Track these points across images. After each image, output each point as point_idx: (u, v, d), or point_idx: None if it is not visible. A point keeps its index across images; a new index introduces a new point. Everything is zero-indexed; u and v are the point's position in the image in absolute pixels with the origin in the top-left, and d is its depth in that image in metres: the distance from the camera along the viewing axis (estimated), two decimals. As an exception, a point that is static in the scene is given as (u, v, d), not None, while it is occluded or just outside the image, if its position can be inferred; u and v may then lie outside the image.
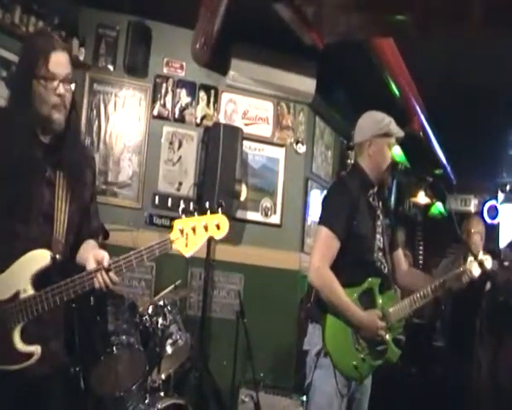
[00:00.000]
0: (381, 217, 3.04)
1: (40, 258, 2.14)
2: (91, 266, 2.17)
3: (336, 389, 2.79)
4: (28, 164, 2.17)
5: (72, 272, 2.17)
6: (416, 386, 4.59)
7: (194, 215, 2.20)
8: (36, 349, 2.09)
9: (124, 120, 4.93)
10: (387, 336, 2.88)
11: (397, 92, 5.43)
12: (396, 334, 2.93)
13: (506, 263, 4.67)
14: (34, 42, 2.25)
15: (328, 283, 2.81)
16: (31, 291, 2.11)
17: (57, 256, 2.17)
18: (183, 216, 2.20)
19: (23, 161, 2.14)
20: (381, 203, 3.09)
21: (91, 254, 2.21)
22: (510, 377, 3.73)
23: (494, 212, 9.60)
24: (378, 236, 2.98)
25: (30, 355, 2.08)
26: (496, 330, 4.04)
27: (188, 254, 2.19)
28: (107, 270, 2.15)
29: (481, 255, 3.01)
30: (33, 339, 2.11)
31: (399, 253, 3.21)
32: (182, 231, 2.18)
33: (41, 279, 2.14)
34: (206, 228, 2.18)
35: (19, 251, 2.12)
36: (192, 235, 2.18)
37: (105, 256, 2.17)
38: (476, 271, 2.94)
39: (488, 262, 3.00)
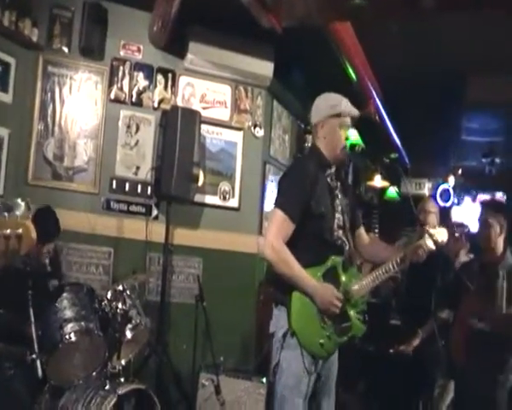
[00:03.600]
0: (339, 196, 3.08)
1: None
2: None
3: (304, 368, 2.86)
4: None
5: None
6: (373, 364, 4.68)
7: (4, 218, 1.89)
8: None
9: (80, 103, 4.82)
10: (351, 312, 2.96)
11: (353, 76, 5.48)
12: (360, 310, 3.00)
13: (457, 234, 4.81)
14: None
15: (282, 256, 2.87)
16: None
17: None
18: None
19: None
20: (339, 183, 3.13)
21: None
22: (462, 353, 3.83)
23: (446, 195, 9.85)
24: (337, 214, 3.04)
25: None
26: (448, 306, 4.15)
27: None
28: None
29: (437, 228, 3.11)
30: None
31: (361, 230, 3.29)
32: None
33: None
34: (7, 239, 1.85)
35: None
36: None
37: None
38: (432, 244, 3.03)
39: (443, 234, 3.10)
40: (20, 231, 1.87)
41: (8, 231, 1.86)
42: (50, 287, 3.80)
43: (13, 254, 1.91)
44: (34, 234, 1.91)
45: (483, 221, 3.92)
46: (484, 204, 4.51)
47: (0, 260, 1.96)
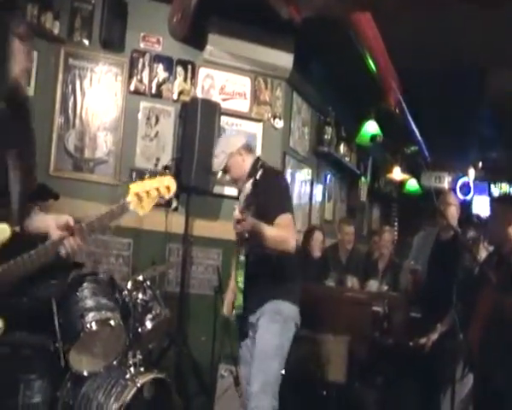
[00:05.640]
0: (241, 200, 3.44)
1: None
2: (54, 233, 2.29)
3: None
4: None
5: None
6: (392, 357, 4.67)
7: (145, 179, 2.54)
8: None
9: (100, 95, 4.86)
10: None
11: (373, 68, 5.45)
12: None
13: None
14: None
15: None
16: None
17: (16, 228, 2.27)
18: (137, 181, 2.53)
19: None
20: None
21: (53, 222, 2.34)
22: (479, 351, 3.81)
23: (467, 188, 9.76)
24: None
25: None
26: (467, 303, 4.11)
27: (143, 213, 2.51)
28: (72, 234, 2.30)
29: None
30: None
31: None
32: (137, 195, 2.49)
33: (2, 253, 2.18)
34: (158, 190, 2.53)
35: None
36: (146, 197, 2.51)
37: (69, 219, 2.33)
38: None
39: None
40: (167, 182, 2.55)
41: (156, 184, 2.52)
42: (72, 277, 3.83)
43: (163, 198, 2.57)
44: (175, 184, 2.58)
45: (494, 215, 3.91)
46: (493, 200, 4.49)
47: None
